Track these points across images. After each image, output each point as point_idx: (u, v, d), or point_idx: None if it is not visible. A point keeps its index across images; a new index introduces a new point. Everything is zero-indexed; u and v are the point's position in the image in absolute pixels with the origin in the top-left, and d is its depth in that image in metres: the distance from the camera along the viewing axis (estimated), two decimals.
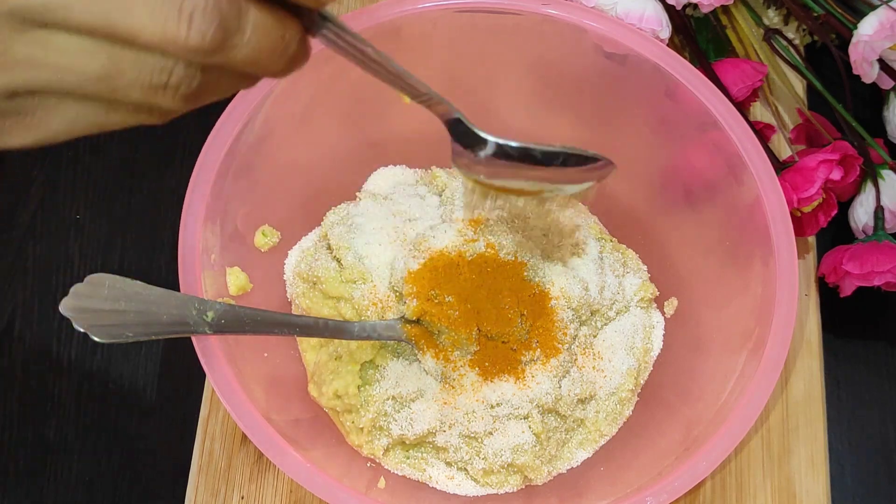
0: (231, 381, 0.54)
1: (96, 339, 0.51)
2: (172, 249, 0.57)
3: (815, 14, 0.70)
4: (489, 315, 0.59)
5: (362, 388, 0.60)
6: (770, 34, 0.72)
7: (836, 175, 0.64)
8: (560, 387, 0.61)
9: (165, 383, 0.68)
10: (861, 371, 0.69)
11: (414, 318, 0.60)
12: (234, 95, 0.61)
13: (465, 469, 0.61)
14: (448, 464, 0.62)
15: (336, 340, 0.61)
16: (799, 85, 0.75)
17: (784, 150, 0.71)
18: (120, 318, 0.52)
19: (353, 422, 0.61)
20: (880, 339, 0.70)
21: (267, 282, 0.64)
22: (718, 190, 0.63)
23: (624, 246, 0.68)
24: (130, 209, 0.74)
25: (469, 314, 0.59)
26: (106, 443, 0.67)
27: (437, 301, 0.59)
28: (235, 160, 0.60)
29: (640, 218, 0.69)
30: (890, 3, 0.65)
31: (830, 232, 0.69)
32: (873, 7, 0.66)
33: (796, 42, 0.75)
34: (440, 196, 0.67)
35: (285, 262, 0.67)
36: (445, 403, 0.59)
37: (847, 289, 0.66)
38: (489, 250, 0.61)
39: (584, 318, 0.63)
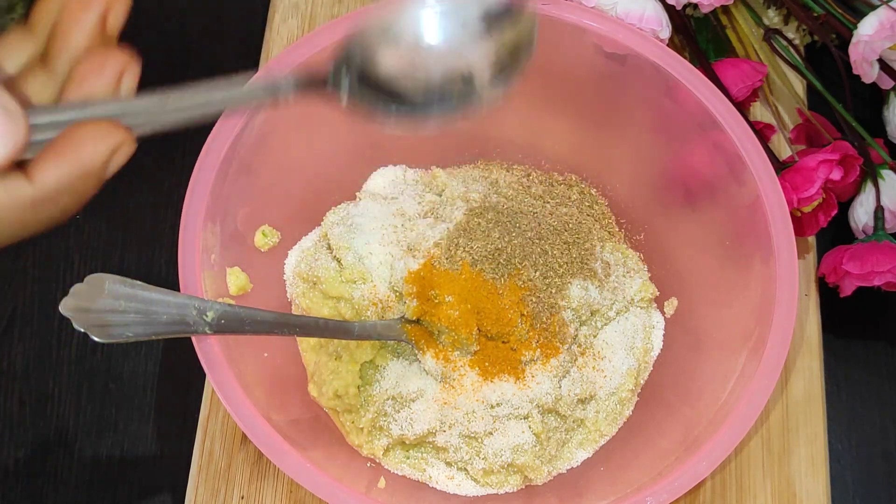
0: (231, 381, 0.54)
1: (96, 339, 0.51)
2: (172, 249, 0.57)
3: (815, 14, 0.70)
4: (489, 315, 0.59)
5: (362, 388, 0.60)
6: (770, 34, 0.72)
7: (836, 175, 0.64)
8: (560, 387, 0.61)
9: (165, 383, 0.68)
10: (861, 371, 0.69)
11: (414, 318, 0.60)
12: None
13: (465, 469, 0.61)
14: (448, 464, 0.62)
15: (336, 340, 0.61)
16: (799, 85, 0.75)
17: (784, 150, 0.71)
18: (120, 318, 0.52)
19: (353, 422, 0.61)
20: (880, 339, 0.70)
21: (267, 282, 0.64)
22: (718, 190, 0.63)
23: (624, 246, 0.68)
24: (130, 209, 0.74)
25: (469, 314, 0.59)
26: (106, 443, 0.67)
27: (436, 301, 0.59)
28: (235, 160, 0.60)
29: (641, 218, 0.69)
30: (890, 3, 0.65)
31: (830, 232, 0.69)
32: (873, 7, 0.66)
33: (796, 42, 0.75)
34: (440, 196, 0.67)
35: (285, 262, 0.66)
36: (445, 403, 0.59)
37: (847, 289, 0.66)
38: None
39: (584, 318, 0.63)
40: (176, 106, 0.39)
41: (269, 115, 0.61)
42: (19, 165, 0.35)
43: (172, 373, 0.69)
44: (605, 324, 0.65)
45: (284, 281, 0.66)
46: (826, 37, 0.71)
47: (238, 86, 0.39)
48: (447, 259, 0.60)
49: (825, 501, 0.64)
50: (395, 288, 0.62)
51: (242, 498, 0.63)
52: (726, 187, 0.62)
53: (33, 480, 0.66)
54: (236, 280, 0.61)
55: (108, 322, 0.51)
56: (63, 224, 0.73)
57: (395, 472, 0.62)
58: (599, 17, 0.63)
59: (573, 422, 0.62)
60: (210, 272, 0.58)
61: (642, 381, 0.65)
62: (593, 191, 0.70)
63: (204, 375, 0.60)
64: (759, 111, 0.75)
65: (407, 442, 0.61)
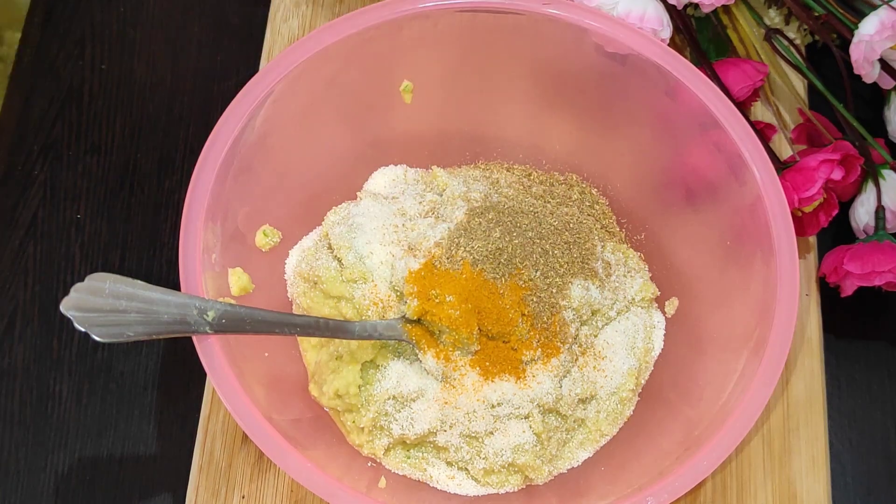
0: (231, 381, 0.54)
1: (97, 338, 0.51)
2: (173, 249, 0.57)
3: (816, 14, 0.70)
4: (490, 315, 0.59)
5: (363, 388, 0.60)
6: (771, 34, 0.72)
7: (837, 175, 0.64)
8: (561, 386, 0.61)
9: (166, 383, 0.68)
10: (862, 371, 0.69)
11: (415, 318, 0.60)
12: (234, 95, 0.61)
13: (466, 469, 0.61)
14: (449, 463, 0.62)
15: (337, 340, 0.61)
16: (800, 85, 0.75)
17: (785, 150, 0.71)
18: (120, 318, 0.52)
19: (353, 421, 0.61)
20: (881, 339, 0.70)
21: (268, 282, 0.64)
22: (719, 190, 0.63)
23: (625, 246, 0.68)
24: (131, 209, 0.74)
25: (470, 314, 0.59)
26: (106, 443, 0.67)
27: (437, 301, 0.59)
28: (236, 160, 0.60)
29: (641, 217, 0.69)
30: (891, 3, 0.65)
31: (831, 232, 0.69)
32: (874, 7, 0.66)
33: (797, 42, 0.75)
34: (440, 196, 0.67)
35: (286, 261, 0.66)
36: (446, 403, 0.59)
37: (848, 289, 0.66)
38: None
39: (584, 317, 0.63)
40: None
41: (270, 114, 0.61)
42: None
43: (173, 372, 0.69)
44: (606, 323, 0.65)
45: (285, 280, 0.66)
46: (827, 37, 0.71)
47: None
48: (448, 259, 0.60)
49: (826, 501, 0.64)
50: (396, 287, 0.62)
51: (243, 497, 0.63)
52: (727, 187, 0.62)
53: (33, 480, 0.66)
54: (238, 280, 0.61)
55: (109, 321, 0.51)
56: (64, 224, 0.73)
57: (396, 471, 0.62)
58: (600, 17, 0.63)
59: (574, 421, 0.62)
60: (211, 272, 0.58)
61: (643, 381, 0.65)
62: (594, 190, 0.70)
63: (204, 375, 0.60)
64: (760, 111, 0.75)
65: (408, 441, 0.61)
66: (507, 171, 0.71)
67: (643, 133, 0.66)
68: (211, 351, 0.54)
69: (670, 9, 0.69)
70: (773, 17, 0.76)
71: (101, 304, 0.52)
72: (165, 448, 0.67)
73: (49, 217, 0.73)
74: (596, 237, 0.65)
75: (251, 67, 0.77)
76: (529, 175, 0.70)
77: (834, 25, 0.69)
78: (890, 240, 0.66)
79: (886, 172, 0.68)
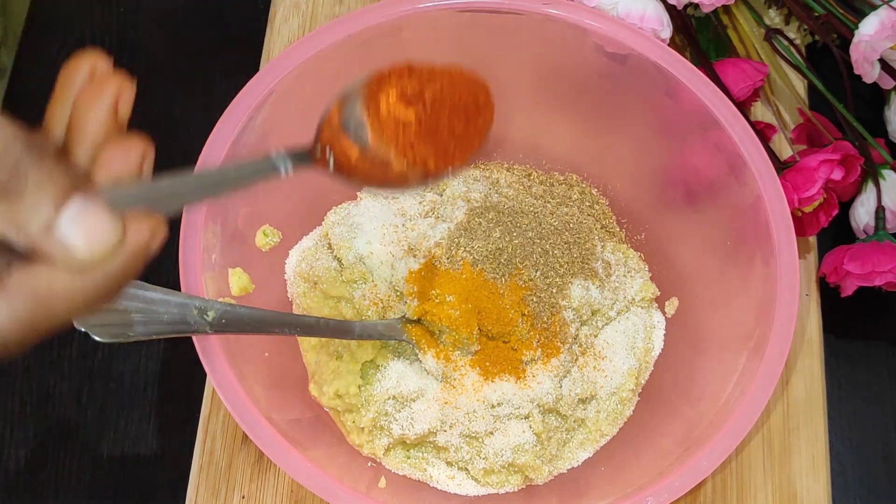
0: (232, 381, 0.54)
1: (97, 338, 0.51)
2: (173, 249, 0.57)
3: (817, 14, 0.70)
4: (490, 315, 0.59)
5: (363, 388, 0.60)
6: (771, 34, 0.72)
7: (837, 175, 0.64)
8: (561, 386, 0.61)
9: (166, 383, 0.68)
10: (862, 371, 0.69)
11: (415, 318, 0.60)
12: (234, 96, 0.61)
13: (466, 469, 0.61)
14: (449, 463, 0.62)
15: (337, 340, 0.61)
16: (800, 85, 0.75)
17: (785, 150, 0.71)
18: (120, 318, 0.52)
19: (353, 421, 0.61)
20: (881, 339, 0.70)
21: (268, 282, 0.64)
22: (719, 190, 0.63)
23: (625, 245, 0.68)
24: None
25: (470, 314, 0.59)
26: (106, 443, 0.67)
27: (437, 301, 0.59)
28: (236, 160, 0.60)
29: (641, 217, 0.69)
30: (891, 3, 0.65)
31: (831, 232, 0.69)
32: (874, 7, 0.66)
33: (797, 42, 0.75)
34: (441, 196, 0.67)
35: (286, 261, 0.66)
36: (446, 403, 0.59)
37: (848, 289, 0.66)
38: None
39: (584, 317, 0.63)
40: (193, 186, 0.42)
41: (270, 114, 0.61)
42: None
43: (173, 372, 0.69)
44: (606, 323, 0.65)
45: (285, 281, 0.66)
46: (827, 37, 0.71)
47: (243, 167, 0.44)
48: (448, 259, 0.60)
49: (826, 501, 0.64)
50: (396, 288, 0.62)
51: (243, 497, 0.63)
52: (727, 187, 0.62)
53: (34, 480, 0.66)
54: (238, 280, 0.61)
55: (109, 322, 0.51)
56: None
57: (396, 471, 0.62)
58: (601, 17, 0.63)
59: (574, 421, 0.62)
60: (211, 272, 0.58)
61: (643, 381, 0.65)
62: (594, 190, 0.70)
63: (204, 375, 0.60)
64: (760, 111, 0.75)
65: (408, 441, 0.61)
66: (507, 171, 0.71)
67: (643, 133, 0.66)
68: (211, 351, 0.54)
69: (670, 9, 0.69)
70: (773, 17, 0.76)
71: None
72: (165, 448, 0.67)
73: None
74: (596, 237, 0.65)
75: (251, 67, 0.77)
76: (529, 175, 0.70)
77: (834, 25, 0.69)
78: (890, 240, 0.66)
79: (886, 172, 0.68)
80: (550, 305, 0.60)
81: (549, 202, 0.67)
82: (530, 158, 0.71)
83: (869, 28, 0.65)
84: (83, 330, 0.51)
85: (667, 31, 0.67)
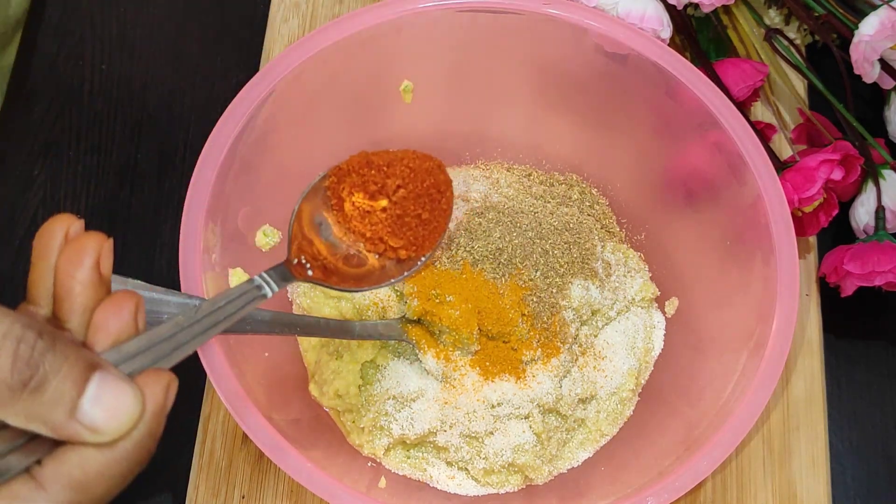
0: (232, 381, 0.54)
1: None
2: (173, 249, 0.57)
3: (817, 14, 0.70)
4: (490, 315, 0.59)
5: (363, 388, 0.60)
6: (771, 34, 0.72)
7: (837, 175, 0.64)
8: (561, 386, 0.61)
9: None
10: (862, 371, 0.69)
11: (415, 318, 0.60)
12: (235, 95, 0.61)
13: (466, 469, 0.61)
14: (449, 463, 0.62)
15: (337, 340, 0.61)
16: (800, 85, 0.75)
17: (785, 150, 0.71)
18: None
19: (353, 421, 0.61)
20: (881, 339, 0.70)
21: None
22: (719, 190, 0.63)
23: (625, 246, 0.68)
24: (131, 209, 0.74)
25: (470, 314, 0.59)
26: None
27: (437, 301, 0.59)
28: (236, 159, 0.60)
29: (641, 217, 0.69)
30: (891, 3, 0.65)
31: (831, 232, 0.69)
32: (874, 7, 0.66)
33: (797, 42, 0.75)
34: None
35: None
36: (446, 403, 0.59)
37: (848, 289, 0.66)
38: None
39: (584, 317, 0.63)
40: (192, 332, 0.43)
41: (270, 114, 0.61)
42: None
43: (173, 372, 0.68)
44: (606, 323, 0.65)
45: None
46: (827, 37, 0.71)
47: (233, 299, 0.44)
48: (448, 259, 0.60)
49: (826, 501, 0.64)
50: (396, 287, 0.62)
51: (243, 497, 0.63)
52: (727, 187, 0.62)
53: None
54: (238, 281, 0.61)
55: None
56: None
57: (396, 471, 0.62)
58: (600, 17, 0.63)
59: (574, 421, 0.62)
60: (211, 272, 0.58)
61: (643, 381, 0.65)
62: (594, 190, 0.70)
63: (204, 375, 0.60)
64: (760, 111, 0.75)
65: (408, 441, 0.61)
66: (507, 171, 0.71)
67: (643, 133, 0.66)
68: (211, 351, 0.54)
69: (670, 9, 0.69)
70: (773, 17, 0.76)
71: None
72: (165, 448, 0.66)
73: (48, 217, 0.73)
74: (596, 237, 0.65)
75: (251, 67, 0.77)
76: (529, 175, 0.70)
77: (834, 25, 0.69)
78: (890, 240, 0.66)
79: (886, 172, 0.68)
80: (550, 305, 0.60)
81: (549, 202, 0.67)
82: (530, 158, 0.71)
83: (869, 28, 0.65)
84: None
85: (667, 31, 0.67)
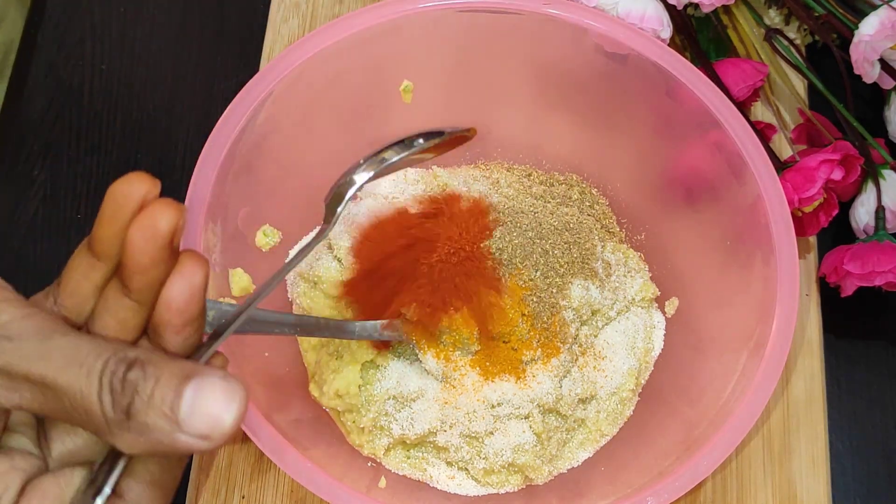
0: None
1: None
2: None
3: (817, 14, 0.70)
4: (490, 315, 0.59)
5: (363, 388, 0.60)
6: (771, 34, 0.72)
7: (838, 175, 0.64)
8: (561, 386, 0.61)
9: None
10: (862, 371, 0.69)
11: (415, 319, 0.60)
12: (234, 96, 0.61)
13: (466, 469, 0.61)
14: (449, 463, 0.62)
15: (337, 340, 0.61)
16: (800, 85, 0.75)
17: (785, 150, 0.71)
18: None
19: (353, 421, 0.61)
20: (881, 339, 0.70)
21: None
22: (719, 190, 0.63)
23: (625, 246, 0.68)
24: None
25: (470, 314, 0.59)
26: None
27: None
28: (236, 160, 0.60)
29: (641, 218, 0.69)
30: (891, 3, 0.65)
31: (831, 232, 0.69)
32: (874, 7, 0.66)
33: (797, 42, 0.75)
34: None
35: (286, 261, 0.66)
36: (446, 403, 0.59)
37: (848, 289, 0.66)
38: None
39: (584, 317, 0.63)
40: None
41: (270, 114, 0.61)
42: None
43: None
44: (606, 323, 0.65)
45: (285, 281, 0.66)
46: (827, 37, 0.71)
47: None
48: None
49: (826, 501, 0.64)
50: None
51: (243, 497, 0.63)
52: (727, 187, 0.62)
53: None
54: (239, 281, 0.61)
55: None
56: (64, 224, 0.73)
57: (396, 471, 0.62)
58: (600, 17, 0.63)
59: (574, 421, 0.62)
60: (211, 272, 0.58)
61: (643, 381, 0.65)
62: (594, 190, 0.70)
63: None
64: (760, 111, 0.75)
65: (408, 441, 0.61)
66: (507, 171, 0.71)
67: (643, 133, 0.66)
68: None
69: (670, 9, 0.69)
70: (773, 17, 0.76)
71: None
72: None
73: (49, 217, 0.73)
74: (596, 237, 0.65)
75: (251, 67, 0.77)
76: (529, 175, 0.70)
77: (834, 25, 0.69)
78: (890, 240, 0.66)
79: (886, 172, 0.68)
80: (550, 305, 0.60)
81: (549, 202, 0.67)
82: (530, 158, 0.71)
83: (869, 28, 0.65)
84: None
85: (667, 31, 0.67)
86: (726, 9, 0.74)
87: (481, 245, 0.60)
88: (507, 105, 0.69)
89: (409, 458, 0.62)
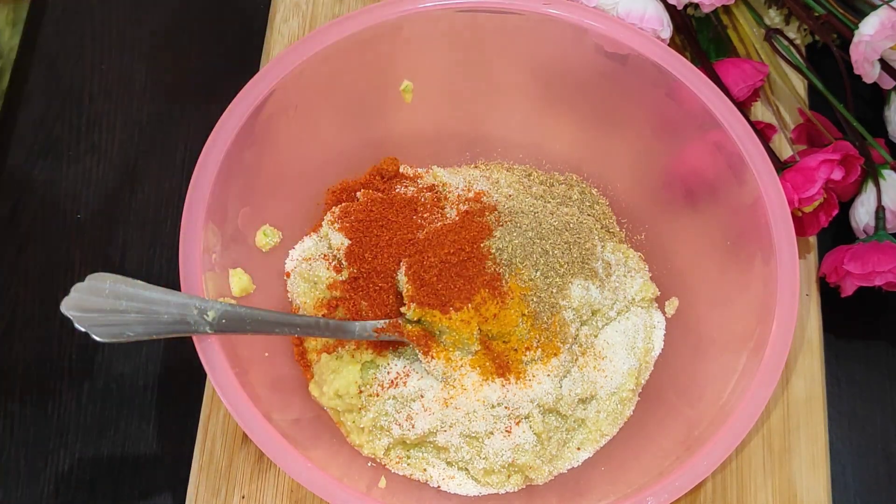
0: (232, 381, 0.54)
1: (97, 338, 0.51)
2: (173, 249, 0.57)
3: (817, 14, 0.70)
4: (490, 315, 0.59)
5: (363, 388, 0.60)
6: (771, 34, 0.72)
7: (837, 175, 0.64)
8: (561, 387, 0.61)
9: (166, 383, 0.68)
10: (862, 371, 0.69)
11: (415, 318, 0.60)
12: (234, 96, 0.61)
13: (466, 469, 0.61)
14: (449, 463, 0.62)
15: (337, 340, 0.61)
16: (800, 85, 0.75)
17: (785, 150, 0.71)
18: (120, 318, 0.52)
19: (353, 421, 0.61)
20: (881, 339, 0.70)
21: (268, 282, 0.64)
22: (719, 190, 0.63)
23: (625, 246, 0.68)
24: (131, 209, 0.74)
25: (470, 314, 0.59)
26: (106, 443, 0.67)
27: None
28: (236, 159, 0.60)
29: (642, 218, 0.69)
30: (891, 3, 0.65)
31: (831, 232, 0.69)
32: (874, 7, 0.66)
33: (797, 42, 0.75)
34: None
35: (286, 261, 0.66)
36: (446, 403, 0.59)
37: (848, 289, 0.66)
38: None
39: (584, 317, 0.63)
40: None
41: (270, 114, 0.62)
42: None
43: (173, 373, 0.69)
44: (606, 323, 0.65)
45: (285, 281, 0.66)
46: (827, 37, 0.71)
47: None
48: None
49: (826, 501, 0.64)
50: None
51: (243, 497, 0.63)
52: (727, 187, 0.62)
53: (33, 480, 0.66)
54: (239, 281, 0.61)
55: (109, 321, 0.51)
56: (64, 224, 0.73)
57: (396, 471, 0.62)
58: (601, 17, 0.63)
59: (574, 421, 0.62)
60: (211, 272, 0.58)
61: (643, 381, 0.65)
62: (594, 190, 0.70)
63: (204, 375, 0.60)
64: (761, 111, 0.75)
65: (408, 442, 0.61)
66: (507, 171, 0.71)
67: (643, 133, 0.66)
68: (211, 351, 0.54)
69: (670, 9, 0.69)
70: (773, 17, 0.76)
71: (102, 304, 0.52)
72: (165, 448, 0.67)
73: (49, 217, 0.73)
74: (596, 237, 0.65)
75: (251, 67, 0.77)
76: (529, 175, 0.70)
77: (834, 25, 0.69)
78: (890, 240, 0.66)
79: (886, 172, 0.68)
80: (550, 305, 0.60)
81: (549, 202, 0.67)
82: (530, 158, 0.71)
83: (869, 28, 0.65)
84: (83, 330, 0.51)
85: (667, 31, 0.67)
86: (726, 9, 0.74)
87: (481, 245, 0.60)
88: (507, 105, 0.69)
89: (409, 458, 0.62)
